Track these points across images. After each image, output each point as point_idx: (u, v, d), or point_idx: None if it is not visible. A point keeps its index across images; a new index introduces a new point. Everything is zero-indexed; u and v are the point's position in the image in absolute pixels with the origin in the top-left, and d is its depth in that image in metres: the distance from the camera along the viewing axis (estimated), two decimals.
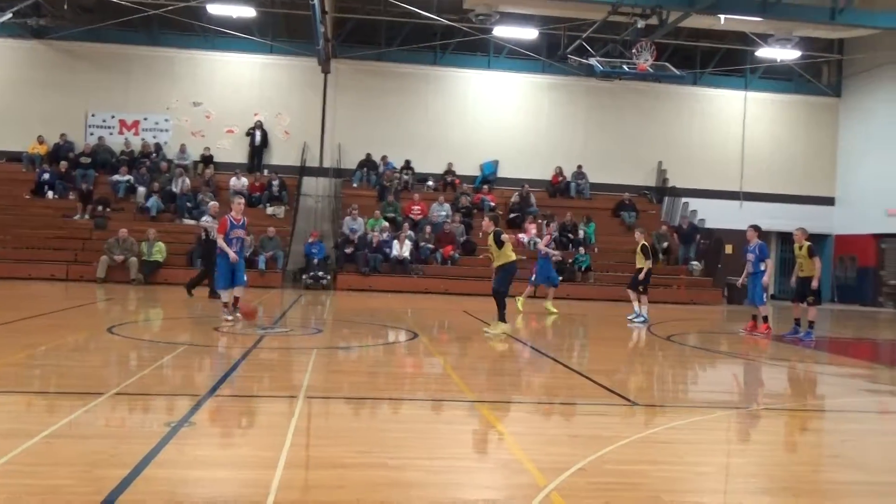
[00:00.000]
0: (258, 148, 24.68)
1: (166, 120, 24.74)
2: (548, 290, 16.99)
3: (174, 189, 22.86)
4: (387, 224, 22.47)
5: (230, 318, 11.33)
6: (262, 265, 20.24)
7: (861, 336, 16.01)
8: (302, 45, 24.12)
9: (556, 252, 17.48)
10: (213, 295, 16.28)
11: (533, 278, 17.06)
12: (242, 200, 12.35)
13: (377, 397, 6.81)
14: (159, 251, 20.07)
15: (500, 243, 11.50)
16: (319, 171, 24.97)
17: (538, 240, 17.23)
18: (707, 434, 6.01)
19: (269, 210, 23.08)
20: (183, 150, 24.34)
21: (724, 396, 8.20)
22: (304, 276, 21.16)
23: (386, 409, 6.47)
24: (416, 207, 23.58)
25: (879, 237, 25.36)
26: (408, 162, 25.16)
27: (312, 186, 24.88)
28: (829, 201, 27.15)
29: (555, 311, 16.05)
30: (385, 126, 25.24)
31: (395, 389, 7.37)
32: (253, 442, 5.23)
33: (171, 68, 24.72)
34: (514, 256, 11.63)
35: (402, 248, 21.44)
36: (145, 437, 4.87)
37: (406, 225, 22.34)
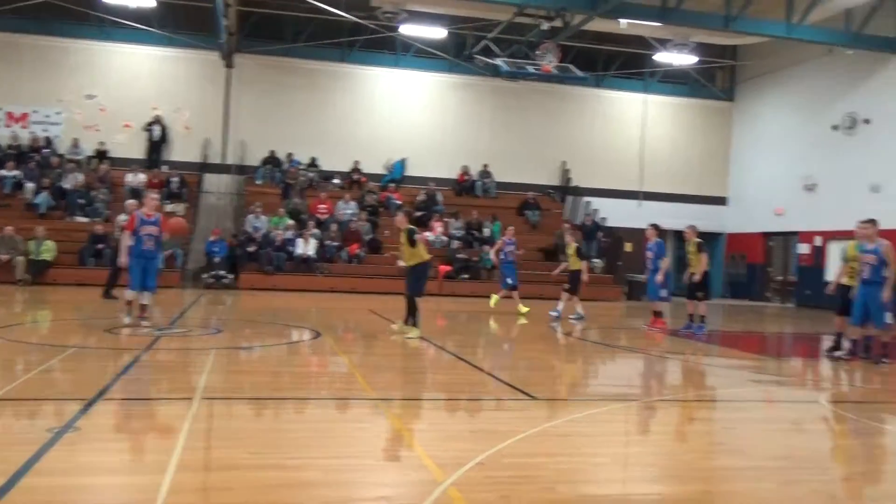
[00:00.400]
0: (157, 143, 23.87)
1: (58, 113, 23.63)
2: (511, 294, 16.58)
3: (65, 185, 21.87)
4: (291, 222, 22.14)
5: (129, 319, 10.73)
6: (160, 264, 19.56)
7: (750, 330, 16.76)
8: (204, 39, 23.47)
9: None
10: (108, 296, 15.77)
11: (509, 281, 16.73)
12: (157, 196, 11.72)
13: (277, 397, 6.69)
14: (48, 250, 19.14)
15: (413, 242, 11.04)
16: (222, 168, 24.37)
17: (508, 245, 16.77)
18: (603, 426, 6.17)
19: (169, 207, 22.29)
20: (76, 144, 23.29)
21: (621, 389, 8.44)
22: (204, 276, 20.61)
23: (285, 410, 6.36)
24: (322, 206, 23.31)
25: (767, 235, 26.64)
26: (313, 159, 24.85)
27: (214, 183, 24.25)
28: (721, 201, 28.32)
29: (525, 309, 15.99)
30: (290, 123, 24.86)
31: (296, 389, 7.26)
32: (143, 446, 5.05)
33: (63, 59, 23.62)
34: (427, 256, 11.22)
35: (306, 247, 21.17)
36: (26, 443, 4.62)
37: (311, 223, 22.07)
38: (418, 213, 24.19)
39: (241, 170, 24.34)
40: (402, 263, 11.78)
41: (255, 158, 24.52)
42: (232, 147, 24.46)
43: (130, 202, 16.06)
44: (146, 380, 7.38)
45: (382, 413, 6.23)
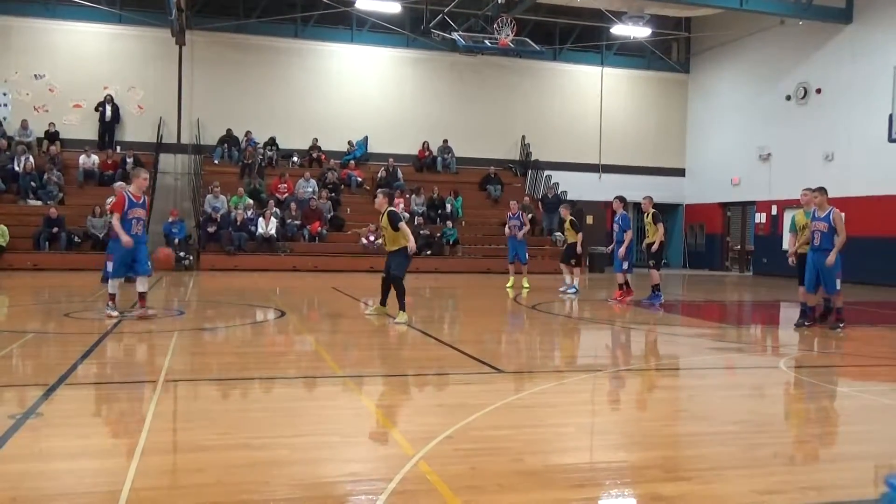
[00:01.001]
0: (109, 123, 23.37)
1: (4, 94, 22.98)
2: (522, 267, 16.70)
3: (16, 168, 21.33)
4: (251, 201, 21.90)
5: (115, 313, 9.72)
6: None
7: (710, 299, 17.07)
8: (154, 16, 22.93)
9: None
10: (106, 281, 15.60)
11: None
12: (146, 175, 10.52)
13: (242, 378, 6.64)
14: (1, 235, 18.71)
15: (396, 225, 10.16)
16: (177, 148, 23.95)
17: None
18: (568, 397, 6.25)
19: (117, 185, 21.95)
20: (25, 125, 22.67)
21: (585, 360, 8.56)
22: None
23: (252, 390, 6.33)
24: (282, 184, 23.08)
25: (725, 206, 27.06)
26: (272, 138, 24.55)
27: (170, 163, 23.87)
28: (680, 172, 28.67)
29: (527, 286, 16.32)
30: (246, 101, 24.51)
31: (263, 369, 7.22)
32: (108, 430, 4.99)
33: (8, 38, 22.92)
34: (411, 242, 10.25)
35: (267, 226, 20.98)
36: None
37: (271, 202, 21.86)
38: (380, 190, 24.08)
39: (197, 149, 23.96)
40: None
41: (211, 137, 24.16)
42: (187, 126, 24.05)
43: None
44: (109, 364, 7.28)
45: (350, 390, 6.23)
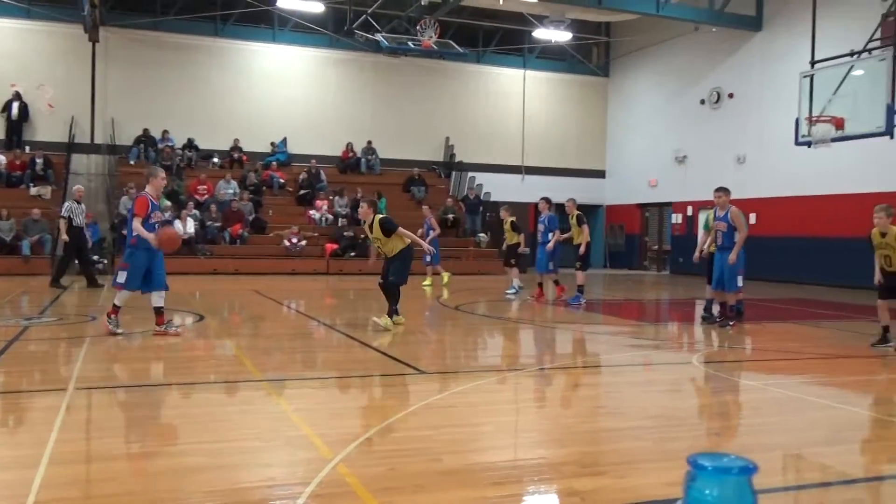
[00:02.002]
0: (16, 122, 22.42)
1: None
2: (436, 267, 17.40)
3: None
4: (169, 203, 21.32)
5: (119, 330, 8.87)
6: (26, 251, 18.54)
7: (629, 297, 17.47)
8: (65, 11, 22.14)
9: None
10: (56, 284, 15.26)
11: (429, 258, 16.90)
12: (164, 175, 9.48)
13: (157, 384, 6.47)
14: None
15: (389, 232, 9.74)
16: (91, 148, 23.16)
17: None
18: (489, 396, 6.30)
19: (34, 191, 21.13)
20: None
21: (507, 360, 8.64)
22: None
23: (168, 396, 6.16)
24: (202, 186, 22.57)
25: (643, 206, 27.77)
26: (190, 139, 23.98)
27: (83, 164, 23.04)
28: (600, 174, 29.26)
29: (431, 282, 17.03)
30: (164, 100, 23.88)
31: (179, 375, 7.04)
32: (11, 441, 4.78)
33: None
34: (408, 241, 9.96)
35: (186, 228, 20.48)
36: None
37: (190, 204, 21.35)
38: (301, 192, 23.85)
39: (112, 149, 23.21)
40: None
41: (127, 137, 23.45)
42: (101, 126, 23.28)
43: (77, 188, 15.43)
44: (15, 372, 6.97)
45: (270, 395, 6.14)
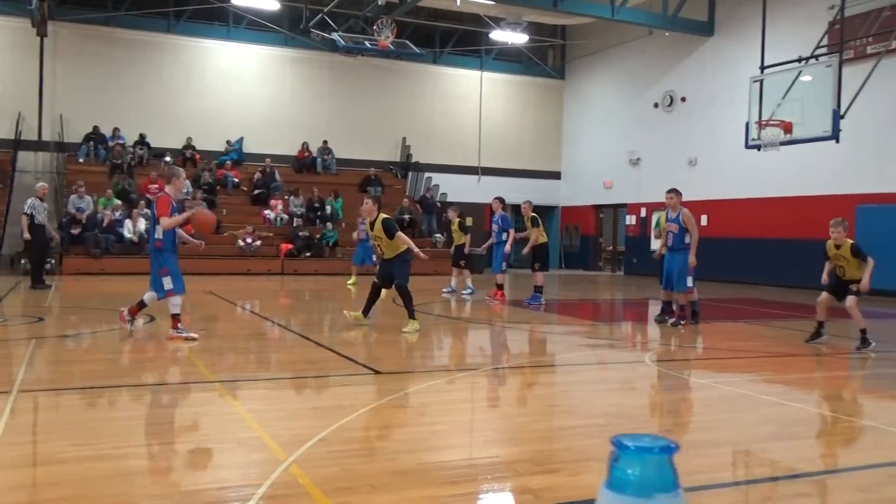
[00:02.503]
0: None
1: None
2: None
3: None
4: (119, 202, 20.93)
5: (195, 335, 8.66)
6: None
7: (584, 297, 17.64)
8: (13, 5, 21.56)
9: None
10: (38, 285, 14.87)
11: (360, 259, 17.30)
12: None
13: (107, 386, 6.32)
14: None
15: (391, 234, 9.53)
16: (38, 145, 22.58)
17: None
18: (444, 395, 6.30)
19: None
20: None
21: (462, 360, 8.65)
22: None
23: (118, 398, 6.03)
24: (153, 185, 22.16)
25: (598, 208, 28.06)
26: (142, 136, 23.55)
27: (30, 162, 22.46)
28: (556, 175, 29.50)
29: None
30: (115, 97, 23.41)
31: (129, 377, 6.90)
32: None
33: None
34: (408, 242, 9.83)
35: (136, 228, 20.11)
36: None
37: (142, 203, 20.95)
38: (256, 191, 23.59)
39: (60, 147, 22.68)
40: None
41: (76, 135, 22.91)
42: (49, 122, 22.72)
43: (41, 185, 15.02)
44: None
45: (222, 396, 6.05)
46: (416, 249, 9.82)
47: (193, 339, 8.56)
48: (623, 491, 2.25)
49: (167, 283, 8.60)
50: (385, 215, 9.77)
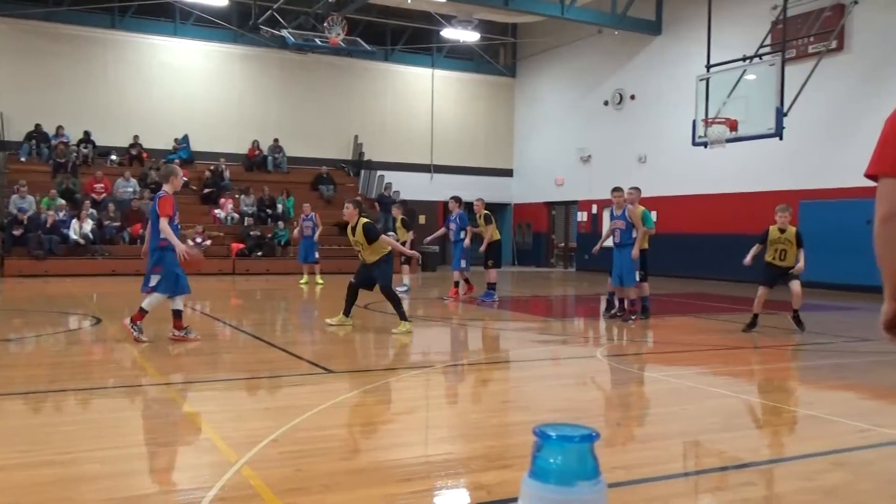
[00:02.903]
0: None
1: None
2: (314, 267, 17.69)
3: None
4: (63, 202, 20.43)
5: (193, 335, 8.80)
6: None
7: (537, 294, 17.77)
8: None
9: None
10: None
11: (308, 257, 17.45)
12: (182, 172, 9.27)
13: (52, 390, 6.17)
14: None
15: (372, 240, 9.43)
16: None
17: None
18: (398, 394, 6.29)
19: None
20: None
21: (417, 357, 8.64)
22: None
23: (63, 403, 5.88)
24: (99, 184, 21.70)
25: (550, 205, 28.30)
26: (87, 134, 23.02)
27: None
28: (508, 173, 29.66)
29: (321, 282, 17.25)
30: (58, 94, 22.84)
31: (75, 380, 6.73)
32: None
33: None
34: (392, 243, 9.85)
35: (81, 228, 19.66)
36: None
37: (87, 203, 20.50)
38: (206, 190, 23.26)
39: (1, 145, 22.05)
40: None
41: (17, 133, 22.31)
42: None
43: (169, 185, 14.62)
44: None
45: (172, 398, 5.95)
46: (401, 249, 9.72)
47: (142, 342, 8.44)
48: (545, 480, 2.28)
49: (154, 280, 8.59)
50: (365, 219, 9.62)
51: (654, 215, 12.63)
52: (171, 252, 8.45)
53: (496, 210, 29.17)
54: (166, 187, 8.67)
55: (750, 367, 8.06)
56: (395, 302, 9.70)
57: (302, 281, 17.44)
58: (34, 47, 22.62)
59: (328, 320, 10.21)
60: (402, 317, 9.61)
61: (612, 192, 11.26)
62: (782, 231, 9.55)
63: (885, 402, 6.32)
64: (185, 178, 23.20)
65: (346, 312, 9.99)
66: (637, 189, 11.38)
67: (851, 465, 4.37)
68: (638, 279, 10.96)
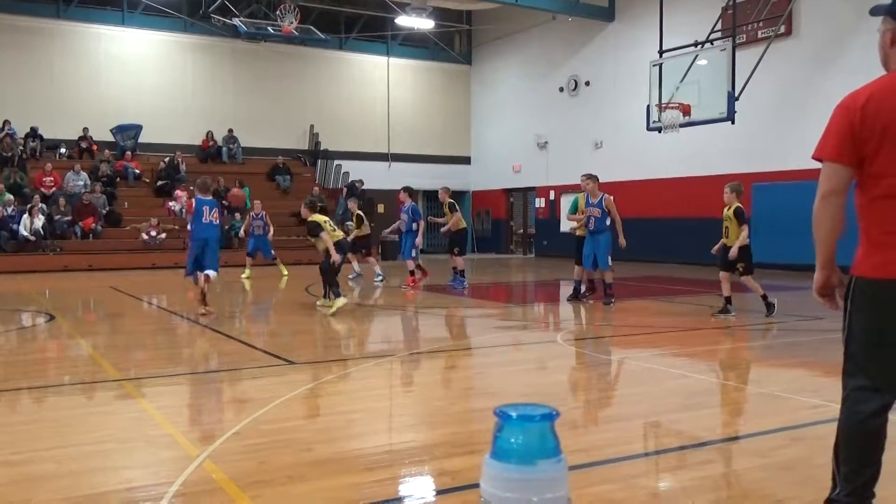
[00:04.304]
0: None
1: None
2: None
3: None
4: (11, 197, 19.91)
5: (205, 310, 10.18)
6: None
7: (497, 280, 17.85)
8: None
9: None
10: None
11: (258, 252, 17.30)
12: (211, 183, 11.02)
13: (4, 389, 6.02)
14: None
15: (313, 235, 10.57)
16: None
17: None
18: (360, 383, 6.27)
19: None
20: None
21: (379, 346, 8.63)
22: None
23: (15, 402, 5.74)
24: (48, 178, 21.19)
25: (508, 192, 28.40)
26: (34, 129, 22.42)
27: None
28: (466, 160, 29.67)
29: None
30: (2, 87, 22.19)
31: (27, 379, 6.58)
32: None
33: None
34: (339, 236, 10.90)
35: (32, 224, 19.19)
36: None
37: (37, 197, 20.00)
38: (160, 182, 22.87)
39: None
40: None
41: None
42: None
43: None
44: None
45: (129, 394, 5.85)
46: (334, 256, 10.37)
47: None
48: (507, 459, 2.30)
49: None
50: (312, 219, 10.50)
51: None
52: (196, 241, 10.27)
53: (455, 198, 29.14)
54: (199, 195, 10.45)
55: (707, 347, 8.20)
56: (328, 283, 10.72)
57: (244, 275, 16.91)
58: None
59: (321, 305, 10.97)
60: (334, 295, 10.52)
61: (582, 177, 11.46)
62: (728, 208, 9.76)
63: (838, 378, 6.42)
64: (137, 171, 22.94)
65: (335, 294, 10.61)
66: (594, 176, 11.51)
67: (806, 441, 4.48)
68: (610, 263, 11.19)
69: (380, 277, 15.53)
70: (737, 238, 9.52)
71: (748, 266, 9.70)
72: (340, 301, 10.45)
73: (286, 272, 17.28)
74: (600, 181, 11.58)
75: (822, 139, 2.94)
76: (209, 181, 11.12)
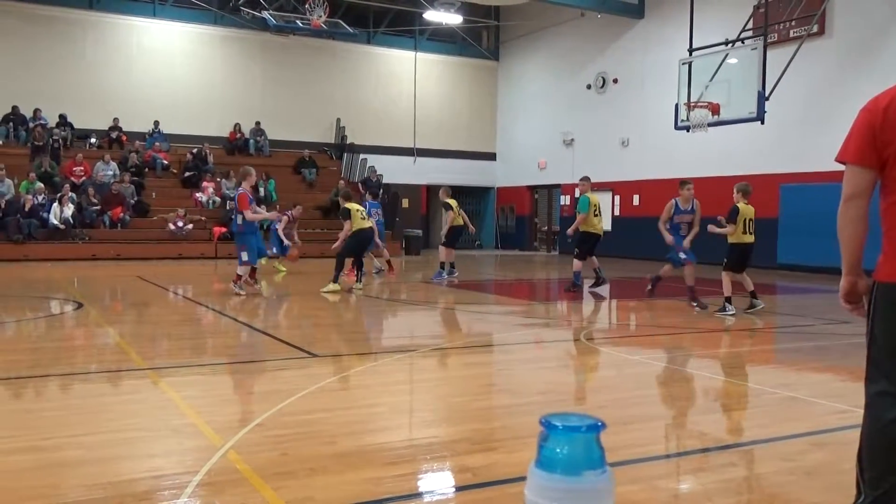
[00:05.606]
0: None
1: None
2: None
3: None
4: (42, 186, 20.20)
5: (242, 292, 11.58)
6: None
7: (520, 277, 17.81)
8: None
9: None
10: None
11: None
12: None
13: (33, 375, 6.13)
14: None
15: (344, 216, 12.21)
16: None
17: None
18: (382, 377, 6.29)
19: None
20: None
21: (401, 341, 8.66)
22: None
23: (45, 388, 5.85)
24: (78, 167, 21.47)
25: (533, 188, 28.32)
26: (63, 117, 22.72)
27: None
28: (491, 157, 29.63)
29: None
30: (35, 76, 22.50)
31: (56, 365, 6.69)
32: None
33: None
34: (365, 224, 12.35)
35: (62, 212, 19.46)
36: None
37: (66, 186, 20.27)
38: (187, 174, 23.07)
39: None
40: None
41: None
42: None
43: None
44: None
45: (155, 383, 5.92)
46: (340, 236, 12.45)
47: (240, 295, 11.34)
48: (552, 469, 2.30)
49: (243, 255, 11.53)
50: (348, 205, 12.33)
51: (596, 198, 13.18)
52: (248, 234, 11.42)
53: (479, 193, 29.25)
54: (244, 184, 11.50)
55: (731, 349, 8.14)
56: (337, 268, 12.19)
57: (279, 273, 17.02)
58: (9, 28, 22.26)
59: (355, 286, 12.57)
60: (335, 280, 12.06)
61: (685, 187, 12.00)
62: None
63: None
64: (165, 162, 23.16)
65: (359, 278, 12.62)
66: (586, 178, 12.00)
67: (831, 446, 4.43)
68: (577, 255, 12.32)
69: (377, 270, 16.15)
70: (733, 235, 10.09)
71: (729, 262, 10.18)
72: (334, 286, 11.76)
73: (284, 269, 16.94)
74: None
75: (845, 142, 2.92)
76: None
